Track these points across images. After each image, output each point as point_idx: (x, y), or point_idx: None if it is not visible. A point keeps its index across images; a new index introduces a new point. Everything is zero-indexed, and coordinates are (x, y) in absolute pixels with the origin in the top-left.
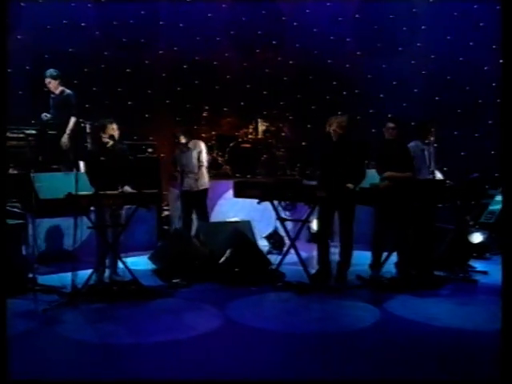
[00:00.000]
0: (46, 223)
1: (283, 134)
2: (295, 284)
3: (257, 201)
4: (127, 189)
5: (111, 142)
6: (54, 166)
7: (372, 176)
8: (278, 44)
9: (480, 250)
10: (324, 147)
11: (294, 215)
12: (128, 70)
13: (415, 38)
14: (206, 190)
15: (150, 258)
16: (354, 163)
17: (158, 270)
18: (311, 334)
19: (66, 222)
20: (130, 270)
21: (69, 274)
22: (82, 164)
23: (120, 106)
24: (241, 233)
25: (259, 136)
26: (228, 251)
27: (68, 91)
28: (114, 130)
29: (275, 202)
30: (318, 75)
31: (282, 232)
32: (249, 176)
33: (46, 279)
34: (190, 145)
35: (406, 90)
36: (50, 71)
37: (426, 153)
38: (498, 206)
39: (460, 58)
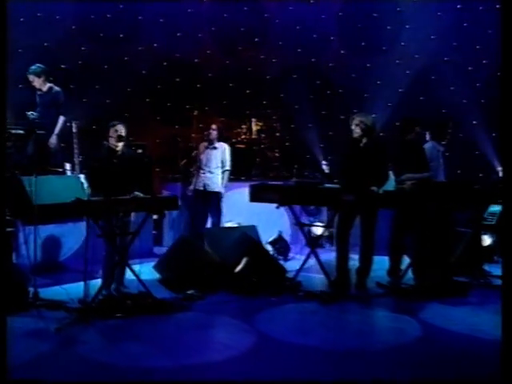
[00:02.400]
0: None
1: (277, 134)
2: (318, 293)
3: (255, 204)
4: (138, 194)
5: (119, 145)
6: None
7: None
8: (260, 42)
9: (488, 253)
10: (346, 148)
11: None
12: (106, 67)
13: (399, 37)
14: (220, 193)
15: (155, 267)
16: (378, 165)
17: (167, 281)
18: (357, 351)
19: (59, 229)
20: (142, 283)
21: (70, 286)
22: (68, 166)
23: (98, 104)
24: (252, 239)
25: (253, 136)
26: (244, 260)
27: (57, 88)
28: (121, 131)
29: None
30: (301, 74)
31: (286, 237)
32: (243, 178)
33: (46, 292)
34: (217, 145)
35: (390, 89)
36: (33, 68)
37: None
38: (499, 207)
39: (444, 57)
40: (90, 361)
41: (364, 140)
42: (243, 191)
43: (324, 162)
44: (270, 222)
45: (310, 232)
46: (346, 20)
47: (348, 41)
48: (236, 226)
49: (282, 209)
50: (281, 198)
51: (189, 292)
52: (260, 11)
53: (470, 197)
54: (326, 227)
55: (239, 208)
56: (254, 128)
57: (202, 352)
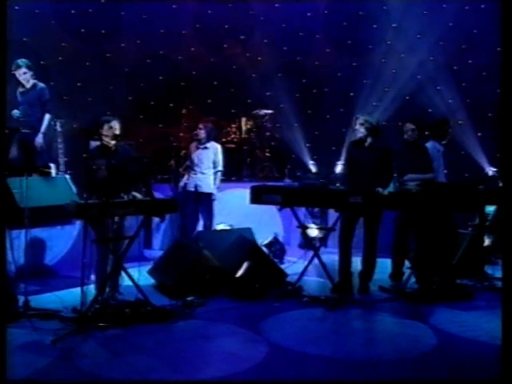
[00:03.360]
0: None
1: (268, 133)
2: (323, 299)
3: (246, 205)
4: (137, 196)
5: (113, 143)
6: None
7: None
8: (245, 39)
9: (488, 255)
10: (350, 148)
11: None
12: (87, 63)
13: (386, 35)
14: (212, 195)
15: (150, 273)
16: (383, 165)
17: (164, 286)
18: (374, 361)
19: (46, 233)
20: (140, 289)
21: (62, 293)
22: (53, 167)
23: (79, 102)
24: (252, 242)
25: (243, 136)
26: (245, 264)
27: (41, 84)
28: (116, 128)
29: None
30: (286, 72)
31: (282, 239)
32: (234, 178)
33: (36, 300)
34: (208, 145)
35: (376, 88)
36: (25, 61)
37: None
38: (492, 208)
39: (430, 57)
40: (93, 376)
41: (369, 140)
42: (234, 192)
43: (311, 162)
44: (262, 223)
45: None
46: (332, 18)
47: (334, 39)
48: (229, 228)
49: (275, 210)
50: (284, 199)
51: (188, 298)
52: (245, 8)
53: (475, 198)
54: (329, 230)
55: (230, 210)
56: (244, 127)
57: (212, 365)
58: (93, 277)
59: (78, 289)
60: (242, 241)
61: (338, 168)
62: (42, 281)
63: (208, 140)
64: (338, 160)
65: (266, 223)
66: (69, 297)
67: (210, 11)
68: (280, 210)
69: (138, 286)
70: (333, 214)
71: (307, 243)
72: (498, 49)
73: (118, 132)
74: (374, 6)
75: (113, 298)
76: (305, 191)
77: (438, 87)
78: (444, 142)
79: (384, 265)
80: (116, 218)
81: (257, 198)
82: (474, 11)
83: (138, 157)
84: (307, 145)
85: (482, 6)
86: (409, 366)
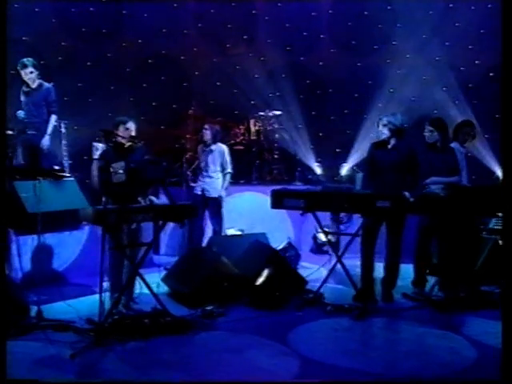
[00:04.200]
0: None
1: (277, 135)
2: (347, 307)
3: (258, 209)
4: (154, 200)
5: (128, 144)
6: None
7: None
8: (248, 39)
9: None
10: (373, 151)
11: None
12: (89, 63)
13: (391, 35)
14: (220, 199)
15: (164, 280)
16: (409, 168)
17: (180, 295)
18: (415, 376)
19: (54, 239)
20: (158, 299)
21: (73, 302)
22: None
23: (80, 102)
24: (270, 248)
25: (252, 137)
26: (266, 271)
27: (47, 84)
28: (133, 130)
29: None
30: (290, 73)
31: (295, 244)
32: (242, 181)
33: (47, 310)
34: (214, 147)
35: (381, 89)
36: (31, 60)
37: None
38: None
39: (436, 57)
40: None
41: (392, 141)
42: (243, 195)
43: (316, 164)
44: (273, 227)
45: (316, 238)
46: (337, 18)
47: (338, 39)
48: (240, 233)
49: (286, 214)
50: (307, 204)
51: (208, 308)
52: (248, 8)
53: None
54: (354, 236)
55: (240, 213)
56: (253, 129)
57: (243, 381)
58: (105, 284)
59: (90, 297)
60: (259, 246)
61: (344, 170)
62: (51, 288)
63: (214, 142)
64: (344, 162)
65: (276, 227)
66: (81, 306)
67: (212, 10)
68: (302, 214)
69: (156, 295)
70: (358, 220)
71: (331, 249)
72: None
73: (134, 133)
74: (378, 6)
75: (128, 307)
76: (329, 195)
77: (444, 88)
78: (466, 145)
79: (404, 271)
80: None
81: (278, 202)
82: (480, 11)
83: (157, 160)
84: (311, 146)
85: (489, 6)
86: (455, 381)
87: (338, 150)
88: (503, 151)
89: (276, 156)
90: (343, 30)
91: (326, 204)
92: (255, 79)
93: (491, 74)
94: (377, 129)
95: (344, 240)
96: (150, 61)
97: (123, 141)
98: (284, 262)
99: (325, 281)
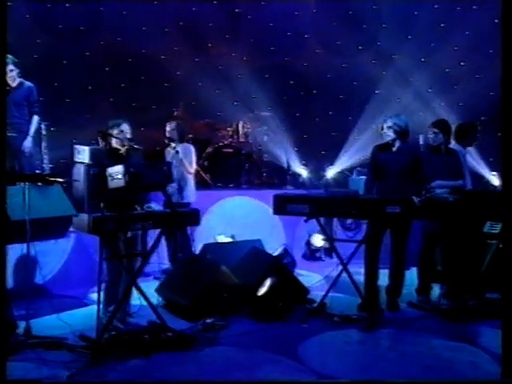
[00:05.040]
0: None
1: (266, 137)
2: (354, 318)
3: (248, 214)
4: (153, 207)
5: (123, 149)
6: None
7: None
8: (231, 38)
9: None
10: (376, 153)
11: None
12: (65, 62)
13: (376, 36)
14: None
15: (158, 291)
16: (414, 171)
17: (177, 306)
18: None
19: (36, 248)
20: (157, 313)
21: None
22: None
23: (56, 103)
24: (271, 256)
25: (241, 140)
26: (269, 281)
27: (28, 83)
28: (128, 132)
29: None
30: (273, 73)
31: (292, 251)
32: (232, 185)
33: (34, 326)
34: (179, 148)
35: (366, 91)
36: (11, 57)
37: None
38: None
39: (422, 58)
40: None
41: (397, 144)
42: (233, 200)
43: (301, 167)
44: (264, 233)
45: (310, 244)
46: (321, 18)
47: (323, 39)
48: (231, 239)
49: (278, 219)
50: (312, 210)
51: (208, 320)
52: (231, 6)
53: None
54: (361, 243)
55: (230, 219)
56: (241, 131)
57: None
58: (95, 296)
59: (81, 310)
60: (257, 254)
61: (330, 173)
62: (37, 301)
63: (181, 141)
64: (331, 164)
65: (268, 233)
66: (72, 319)
67: (194, 8)
68: (306, 221)
69: (155, 308)
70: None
71: (338, 258)
72: (491, 51)
73: (129, 136)
74: (363, 6)
75: (124, 321)
76: (336, 200)
77: (430, 90)
78: (470, 148)
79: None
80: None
81: (281, 208)
82: (465, 12)
83: (156, 164)
84: (295, 149)
85: (474, 7)
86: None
87: (322, 152)
88: (503, 152)
89: (265, 159)
90: (328, 30)
91: (332, 210)
92: (238, 80)
93: (477, 76)
94: (373, 131)
95: (346, 247)
96: (129, 60)
97: (118, 144)
98: (285, 270)
99: (329, 290)
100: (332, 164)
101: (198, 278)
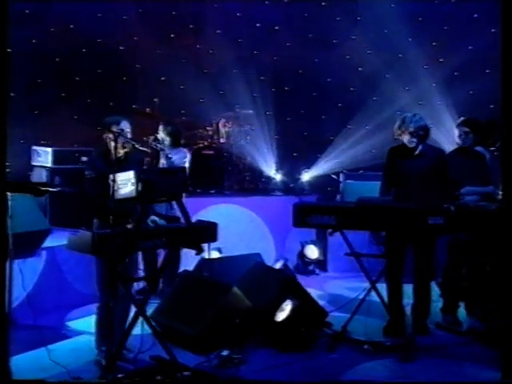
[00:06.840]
0: None
1: (248, 137)
2: (387, 346)
3: (235, 224)
4: (156, 220)
5: (123, 151)
6: None
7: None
8: (196, 28)
9: None
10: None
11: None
12: (9, 50)
13: (351, 29)
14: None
15: (154, 318)
16: (438, 176)
17: (183, 337)
18: None
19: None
20: (167, 348)
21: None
22: None
23: None
24: (286, 274)
25: (222, 140)
26: (289, 304)
27: None
28: (127, 131)
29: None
30: (242, 68)
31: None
32: (213, 191)
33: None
34: (172, 153)
35: (341, 88)
36: None
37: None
38: None
39: (399, 54)
40: None
41: (420, 147)
42: (218, 208)
43: (275, 170)
44: (253, 245)
45: (303, 256)
46: (293, 8)
47: (294, 32)
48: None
49: (266, 229)
50: (339, 222)
51: (224, 353)
52: None
53: None
54: (384, 257)
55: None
56: (223, 130)
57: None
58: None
59: (61, 344)
60: (264, 271)
61: (305, 177)
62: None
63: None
64: (308, 167)
65: (257, 245)
66: (54, 357)
67: None
68: (331, 234)
69: (165, 343)
70: None
71: (366, 276)
72: (470, 47)
73: (130, 135)
74: None
75: (120, 356)
76: (367, 211)
77: (407, 88)
78: (492, 148)
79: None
80: None
81: (302, 219)
82: (444, 5)
83: (170, 170)
84: (266, 150)
85: (453, 1)
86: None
87: (295, 155)
88: (504, 151)
89: (247, 162)
90: (299, 22)
91: (364, 221)
92: (204, 74)
93: (456, 73)
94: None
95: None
96: (83, 50)
97: (119, 146)
98: (303, 290)
99: (354, 313)
100: (308, 167)
101: (206, 302)
